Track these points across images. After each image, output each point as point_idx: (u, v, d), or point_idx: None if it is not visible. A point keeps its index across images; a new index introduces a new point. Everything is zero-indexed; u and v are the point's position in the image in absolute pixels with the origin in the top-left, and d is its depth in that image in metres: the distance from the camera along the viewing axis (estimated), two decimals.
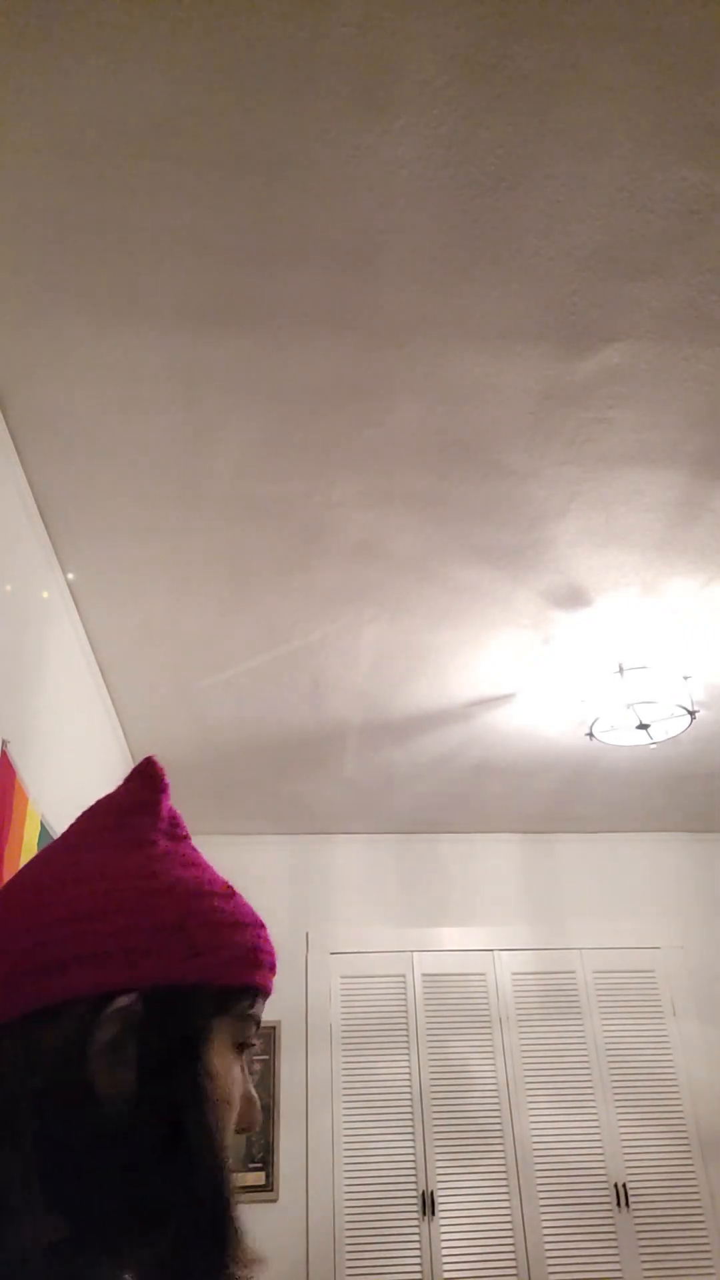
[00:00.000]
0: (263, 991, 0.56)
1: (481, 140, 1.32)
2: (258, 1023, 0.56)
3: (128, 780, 0.62)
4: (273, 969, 0.57)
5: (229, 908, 0.55)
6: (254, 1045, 0.56)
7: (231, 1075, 0.52)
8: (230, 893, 0.57)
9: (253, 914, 0.58)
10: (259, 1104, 0.55)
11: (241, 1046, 0.54)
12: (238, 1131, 0.53)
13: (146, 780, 0.62)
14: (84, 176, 1.33)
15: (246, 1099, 0.54)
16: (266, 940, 0.57)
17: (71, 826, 0.60)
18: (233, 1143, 0.52)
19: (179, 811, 0.64)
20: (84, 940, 0.50)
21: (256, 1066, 3.60)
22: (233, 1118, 0.52)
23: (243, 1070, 0.54)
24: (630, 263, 1.52)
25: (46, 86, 1.22)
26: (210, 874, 0.58)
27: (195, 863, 0.58)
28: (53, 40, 1.16)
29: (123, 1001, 0.49)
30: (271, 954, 0.57)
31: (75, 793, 2.43)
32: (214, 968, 0.52)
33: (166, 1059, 0.49)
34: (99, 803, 0.62)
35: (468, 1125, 3.59)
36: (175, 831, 0.60)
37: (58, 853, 0.57)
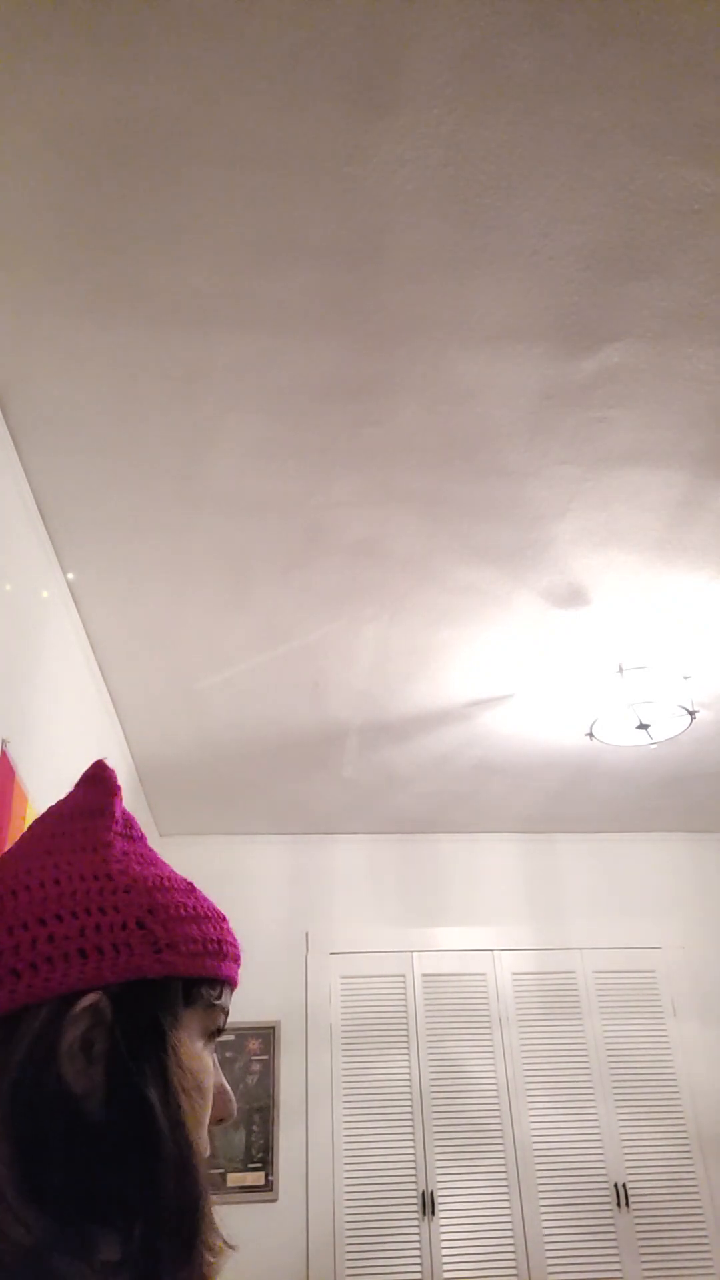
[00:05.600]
0: (229, 982, 0.58)
1: (481, 140, 1.32)
2: (225, 1013, 0.57)
3: (79, 785, 0.63)
4: (237, 960, 0.59)
5: (190, 902, 0.56)
6: (220, 1036, 0.57)
7: (204, 1065, 0.53)
8: (190, 888, 0.58)
9: (214, 908, 0.59)
10: (231, 1094, 0.56)
11: (212, 1036, 0.56)
12: (214, 1123, 0.54)
13: (99, 784, 0.62)
14: (84, 176, 1.33)
15: (220, 1090, 0.55)
16: (229, 933, 0.59)
17: (25, 833, 0.61)
18: (208, 1135, 0.53)
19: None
20: (47, 944, 0.51)
21: (255, 1063, 3.60)
22: (207, 1108, 0.53)
23: (214, 1061, 0.56)
24: (630, 262, 1.52)
25: (47, 86, 1.22)
26: (168, 871, 0.59)
27: (153, 861, 0.59)
28: (54, 40, 1.16)
29: (89, 1000, 0.50)
30: (235, 946, 0.59)
31: None
32: (180, 960, 0.53)
33: (137, 1053, 0.49)
34: (51, 809, 0.62)
35: (468, 1125, 3.59)
36: (130, 832, 0.61)
37: (13, 859, 0.57)
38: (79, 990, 0.50)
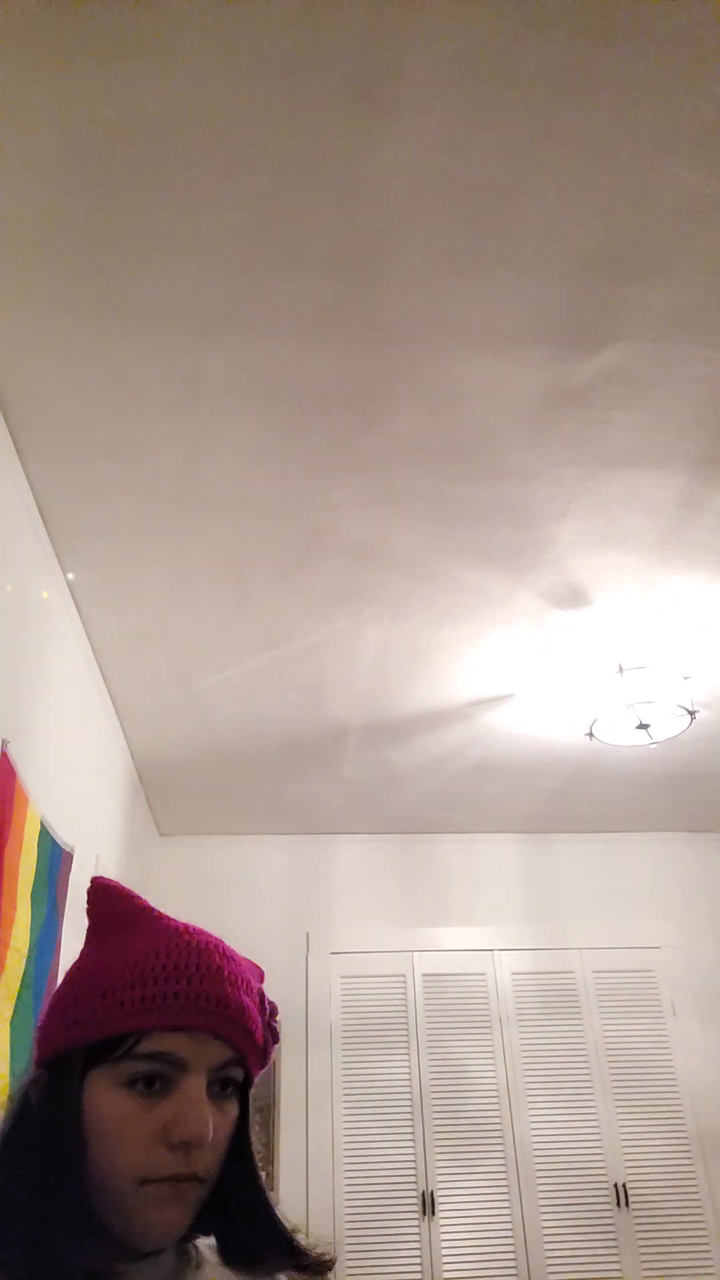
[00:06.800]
0: (150, 1029, 0.65)
1: (482, 142, 1.32)
2: (149, 1057, 0.65)
3: None
4: (163, 1011, 0.66)
5: (109, 981, 0.67)
6: (150, 1074, 0.65)
7: (113, 1111, 0.64)
8: (127, 962, 0.68)
9: (163, 968, 0.68)
10: (187, 1117, 0.63)
11: (140, 1079, 0.64)
12: (176, 1145, 0.63)
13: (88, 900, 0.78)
14: (86, 179, 1.33)
15: (171, 1119, 0.64)
16: (169, 984, 0.67)
17: None
18: (147, 1156, 0.63)
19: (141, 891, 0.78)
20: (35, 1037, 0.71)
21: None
22: (123, 1141, 0.63)
23: (155, 1099, 0.64)
24: (630, 264, 1.52)
25: (48, 90, 1.22)
26: (130, 953, 0.69)
27: (117, 946, 0.71)
28: (54, 43, 1.16)
29: (34, 1074, 0.68)
30: (164, 997, 0.66)
31: (75, 793, 2.43)
32: (78, 1034, 0.66)
33: (54, 1111, 0.64)
34: None
35: (468, 1125, 3.59)
36: (109, 924, 0.74)
37: None
38: (36, 1066, 0.69)
